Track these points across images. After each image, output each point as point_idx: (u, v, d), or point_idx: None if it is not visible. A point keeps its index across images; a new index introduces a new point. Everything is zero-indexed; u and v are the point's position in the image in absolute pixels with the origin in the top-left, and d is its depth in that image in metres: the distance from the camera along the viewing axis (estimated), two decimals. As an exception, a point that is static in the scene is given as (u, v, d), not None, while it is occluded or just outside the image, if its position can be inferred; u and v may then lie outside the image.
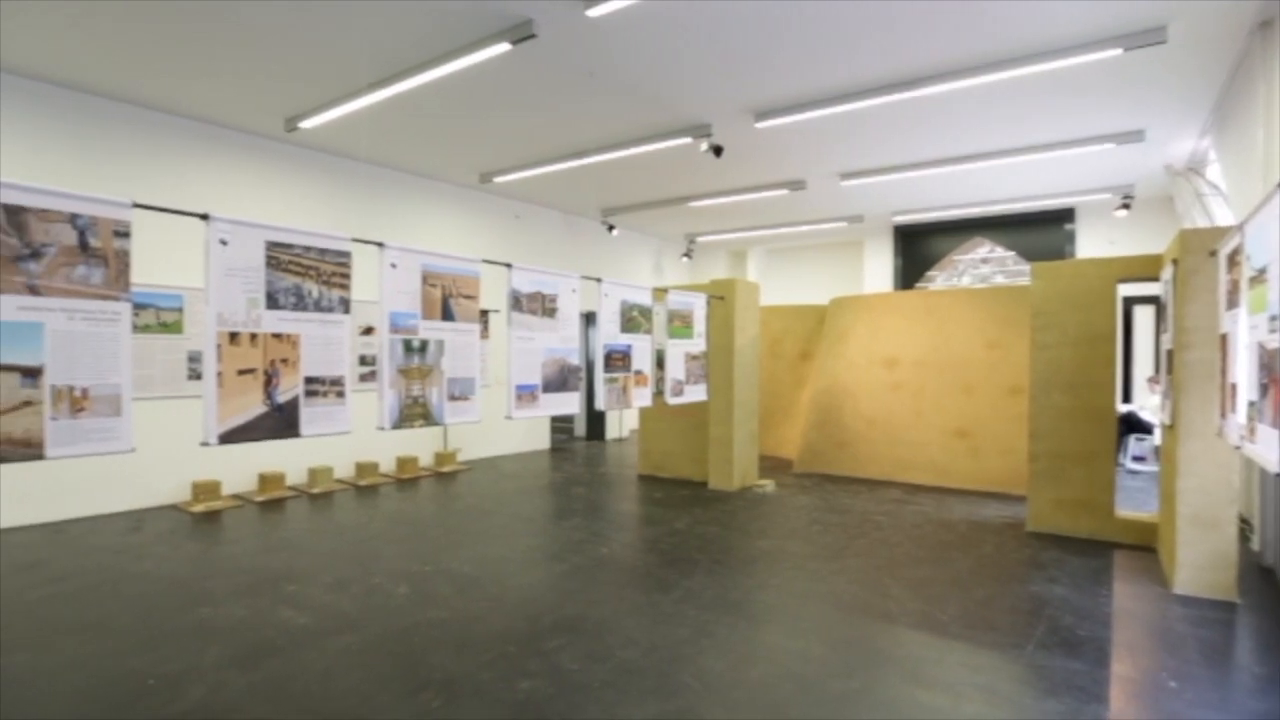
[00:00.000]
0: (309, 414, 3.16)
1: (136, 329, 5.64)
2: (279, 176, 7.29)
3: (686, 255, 13.06)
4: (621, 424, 11.79)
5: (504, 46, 4.74)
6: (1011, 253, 10.94)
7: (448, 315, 3.84)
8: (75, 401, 2.48)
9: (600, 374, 5.14)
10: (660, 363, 5.96)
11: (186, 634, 3.49)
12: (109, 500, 6.05)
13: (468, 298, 3.93)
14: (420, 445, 8.54)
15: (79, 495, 5.87)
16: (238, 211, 3.49)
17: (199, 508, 6.18)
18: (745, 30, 4.72)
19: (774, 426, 9.54)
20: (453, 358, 3.84)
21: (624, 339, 5.32)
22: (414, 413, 3.65)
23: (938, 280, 11.67)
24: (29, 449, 2.39)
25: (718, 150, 6.75)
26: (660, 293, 6.04)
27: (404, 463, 8.01)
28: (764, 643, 3.46)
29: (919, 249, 11.64)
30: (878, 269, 11.84)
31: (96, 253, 2.53)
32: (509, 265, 4.31)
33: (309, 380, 3.18)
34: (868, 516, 6.16)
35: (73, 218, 2.49)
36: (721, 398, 7.34)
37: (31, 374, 2.37)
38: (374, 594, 4.09)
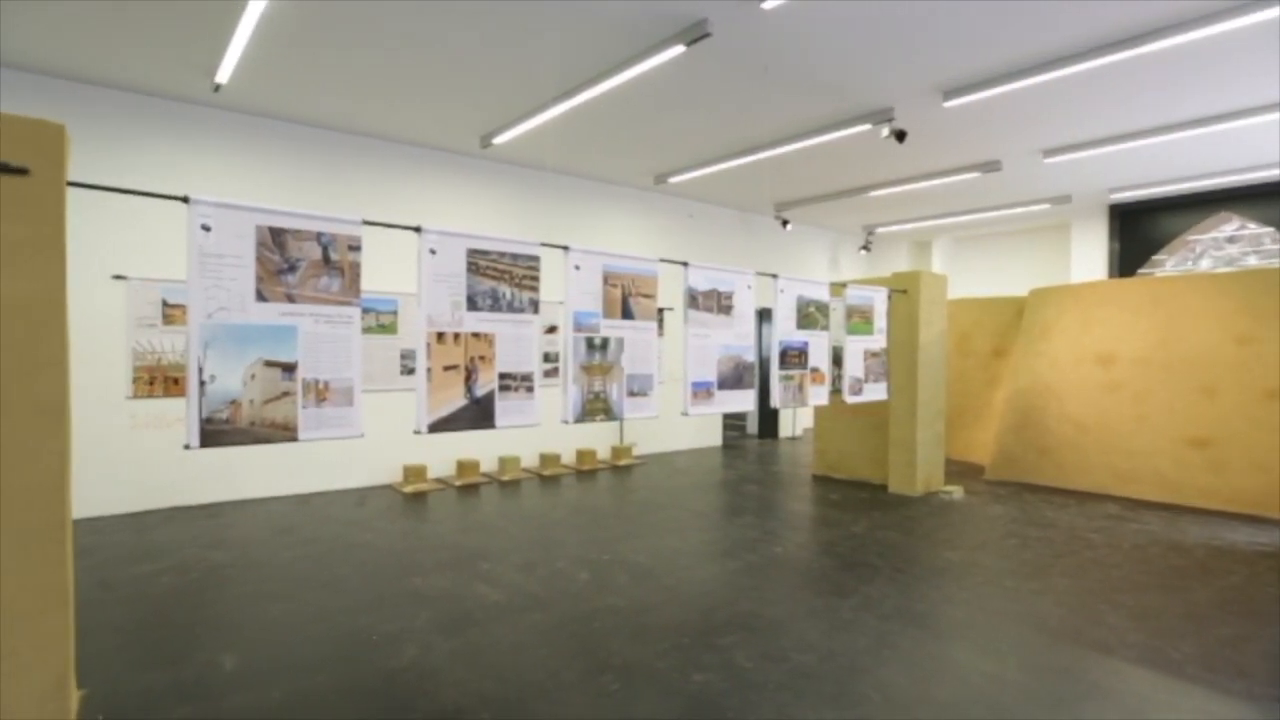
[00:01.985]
0: (503, 407, 3.45)
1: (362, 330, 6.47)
2: (476, 189, 7.99)
3: (864, 248, 12.46)
4: (795, 422, 11.54)
5: (679, 49, 4.82)
6: (1269, 229, 9.21)
7: (627, 314, 3.98)
8: (319, 393, 2.90)
9: (775, 371, 5.07)
10: (838, 360, 5.76)
11: (402, 599, 3.94)
12: (341, 478, 7.01)
13: (646, 296, 4.05)
14: (599, 439, 8.95)
15: (319, 472, 6.86)
16: (443, 223, 3.87)
17: (409, 488, 6.96)
18: (928, 3, 4.40)
19: (962, 429, 8.83)
20: (632, 355, 3.99)
21: (800, 335, 5.20)
22: (595, 407, 3.83)
23: (1167, 265, 10.12)
24: (286, 432, 2.83)
25: (900, 135, 6.37)
26: (838, 287, 5.83)
27: (583, 455, 8.44)
28: (952, 660, 3.23)
29: (1142, 230, 10.17)
30: (1089, 255, 10.51)
31: (336, 265, 2.94)
32: (685, 263, 4.38)
33: (503, 376, 3.46)
34: (1077, 533, 5.51)
35: (319, 235, 2.92)
36: (904, 397, 6.92)
37: (289, 369, 2.81)
38: (558, 577, 4.35)
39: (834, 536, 5.35)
